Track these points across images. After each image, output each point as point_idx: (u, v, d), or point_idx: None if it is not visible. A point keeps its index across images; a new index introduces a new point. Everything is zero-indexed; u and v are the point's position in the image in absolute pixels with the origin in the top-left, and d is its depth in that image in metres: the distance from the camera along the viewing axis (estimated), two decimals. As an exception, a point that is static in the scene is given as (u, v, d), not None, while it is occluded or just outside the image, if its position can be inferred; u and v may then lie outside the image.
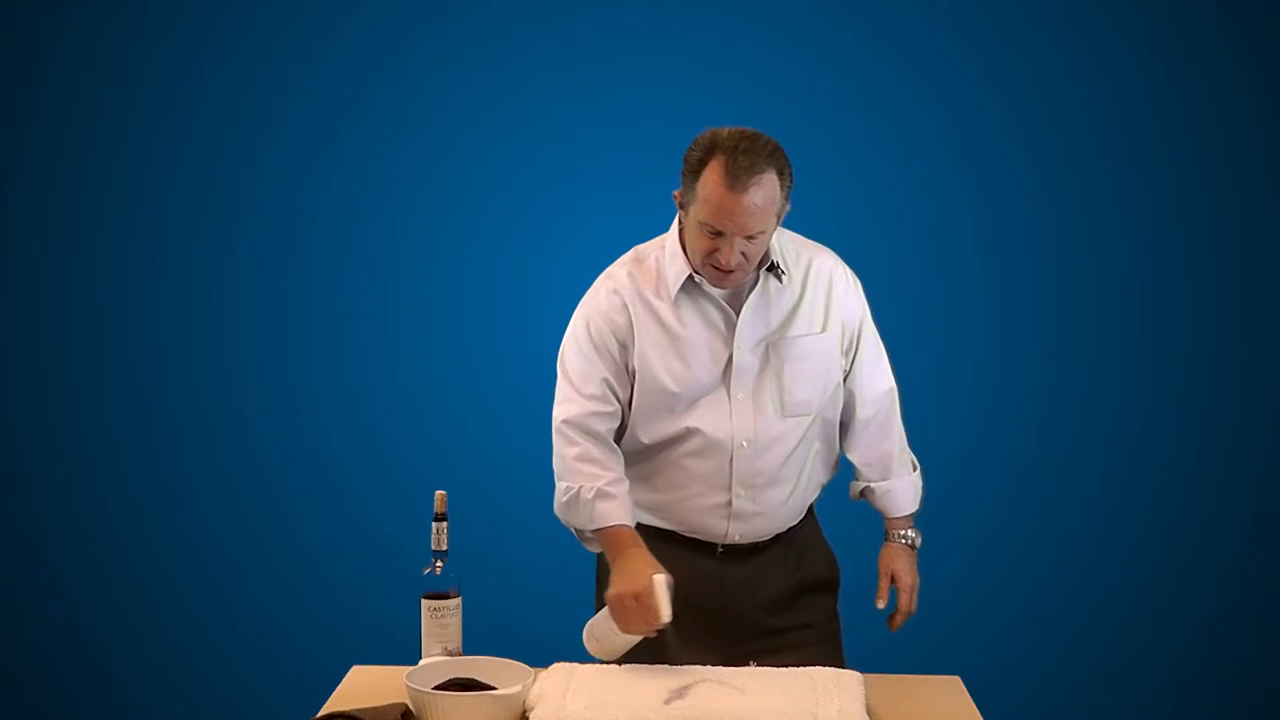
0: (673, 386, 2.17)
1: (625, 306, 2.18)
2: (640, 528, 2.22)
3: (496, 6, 3.45)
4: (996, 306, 3.45)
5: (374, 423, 3.51)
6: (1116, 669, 3.44)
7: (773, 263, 2.18)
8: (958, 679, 2.11)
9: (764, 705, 1.86)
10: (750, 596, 2.25)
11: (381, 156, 3.49)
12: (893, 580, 2.35)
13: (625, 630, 2.04)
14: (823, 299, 2.22)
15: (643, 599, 2.00)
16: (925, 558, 3.49)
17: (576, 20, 3.43)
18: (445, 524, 2.10)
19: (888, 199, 3.42)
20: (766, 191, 2.03)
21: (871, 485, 2.35)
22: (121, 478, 3.52)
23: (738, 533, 2.23)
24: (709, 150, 2.04)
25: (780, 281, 2.18)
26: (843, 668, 2.21)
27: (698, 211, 2.06)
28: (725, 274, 2.10)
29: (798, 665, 2.10)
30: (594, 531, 2.16)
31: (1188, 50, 3.39)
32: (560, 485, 2.20)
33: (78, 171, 3.50)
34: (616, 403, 2.21)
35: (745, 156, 2.01)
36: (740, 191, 2.01)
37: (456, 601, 2.08)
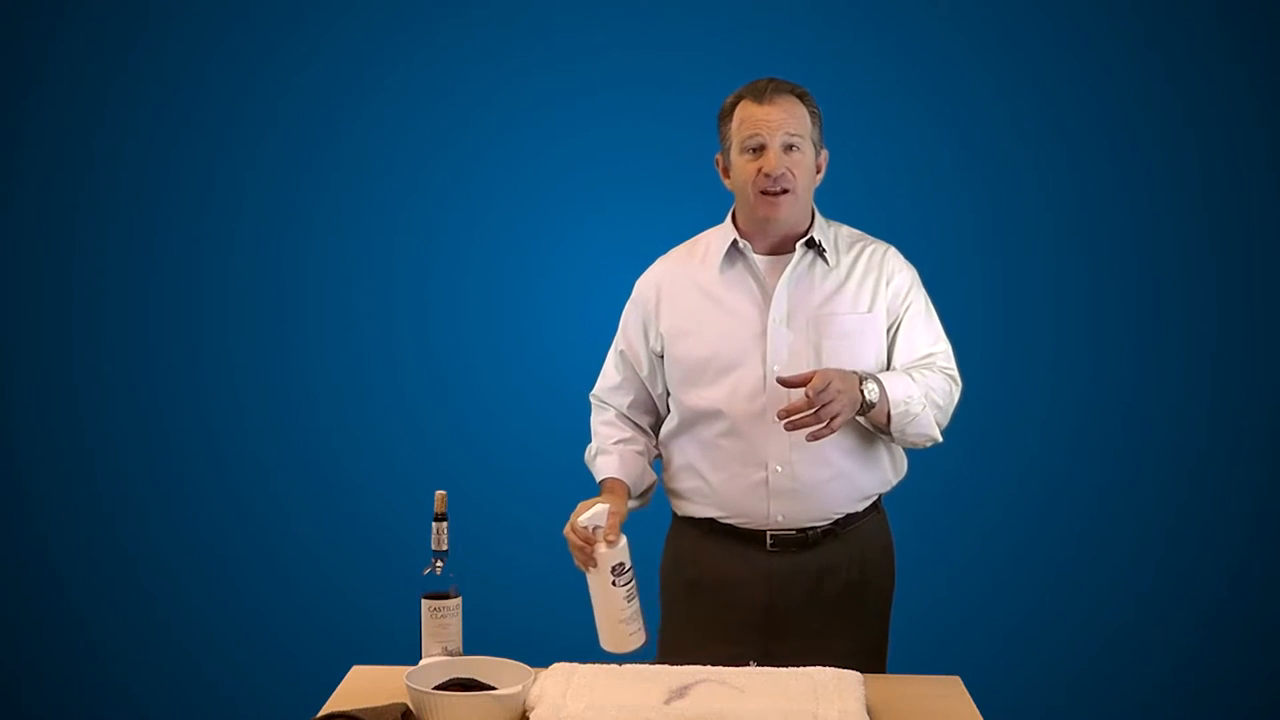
0: (703, 350, 2.25)
1: (656, 283, 2.33)
2: (691, 521, 2.31)
3: (496, 6, 3.45)
4: (996, 306, 3.45)
5: (374, 423, 3.51)
6: (1116, 669, 3.44)
7: (812, 238, 2.24)
8: (958, 679, 2.11)
9: (764, 705, 1.86)
10: (802, 595, 2.25)
11: (381, 156, 3.49)
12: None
13: (573, 554, 2.15)
14: (872, 281, 2.27)
15: (573, 517, 2.13)
16: (926, 557, 3.50)
17: (576, 20, 3.43)
18: (445, 524, 2.09)
19: (888, 199, 3.42)
20: (793, 105, 2.20)
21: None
22: (121, 478, 3.53)
23: (780, 512, 2.23)
24: (736, 94, 2.24)
25: (826, 263, 2.25)
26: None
27: (737, 139, 2.21)
28: (776, 195, 2.19)
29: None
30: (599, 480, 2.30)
31: (1188, 50, 3.39)
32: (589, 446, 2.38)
33: (78, 171, 3.50)
34: (633, 374, 2.35)
35: (766, 82, 2.22)
36: (769, 102, 2.20)
37: (456, 601, 2.08)
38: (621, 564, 2.12)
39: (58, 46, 3.47)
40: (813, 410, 2.06)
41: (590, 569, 2.12)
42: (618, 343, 2.38)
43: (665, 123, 3.34)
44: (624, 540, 2.13)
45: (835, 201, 3.21)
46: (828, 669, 2.02)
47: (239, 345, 3.52)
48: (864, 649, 2.25)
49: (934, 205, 3.44)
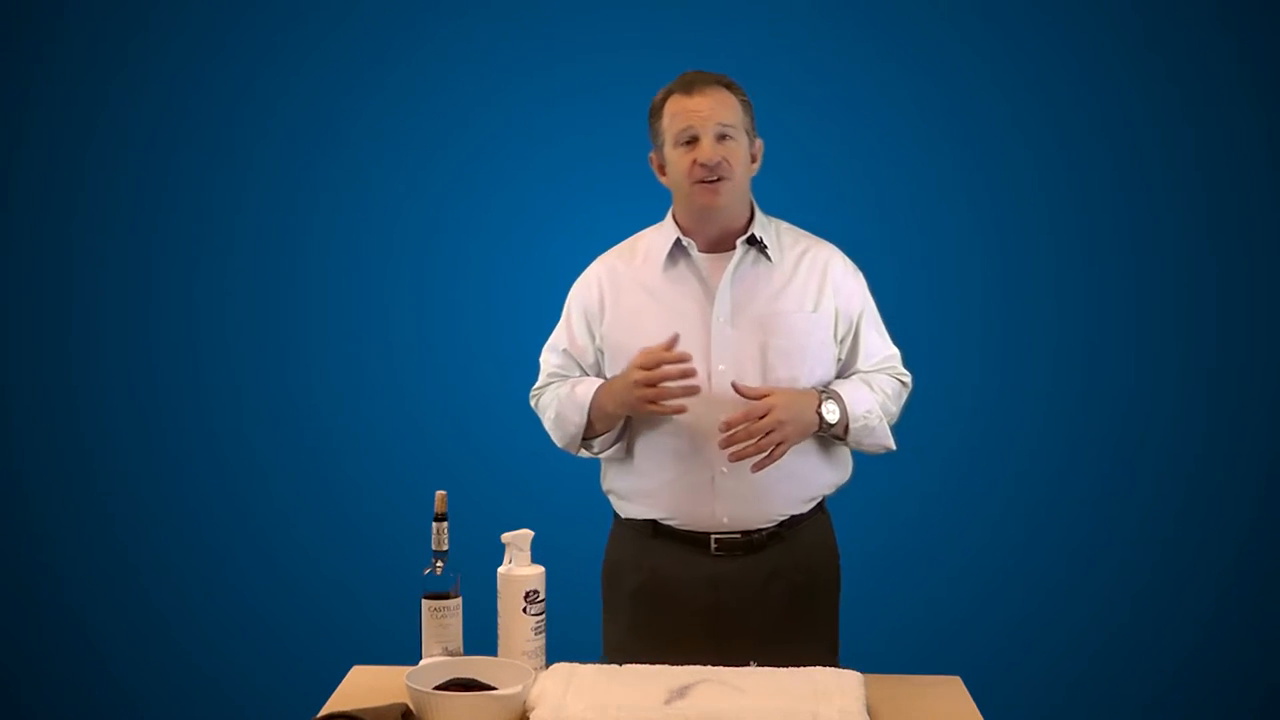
0: (643, 346, 2.20)
1: (599, 282, 2.31)
2: (632, 522, 2.28)
3: (496, 6, 3.45)
4: (997, 306, 3.45)
5: (374, 423, 3.51)
6: (1116, 669, 3.44)
7: (753, 235, 2.23)
8: (958, 679, 2.11)
9: (764, 705, 1.86)
10: (746, 599, 2.23)
11: (381, 156, 3.49)
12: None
13: (653, 397, 2.12)
14: (816, 280, 2.25)
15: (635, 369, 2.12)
16: (926, 557, 3.51)
17: (576, 20, 3.43)
18: (445, 524, 2.09)
19: (888, 199, 3.42)
20: (722, 94, 2.20)
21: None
22: (121, 478, 3.53)
23: (726, 514, 2.21)
24: (665, 90, 2.24)
25: (769, 259, 2.24)
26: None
27: (670, 134, 2.20)
28: (712, 184, 2.18)
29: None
30: (589, 410, 2.23)
31: (1188, 50, 3.39)
32: (548, 420, 2.31)
33: (77, 171, 3.50)
34: (578, 369, 2.33)
35: (693, 75, 2.22)
36: (698, 93, 2.19)
37: (457, 601, 2.08)
38: (535, 591, 2.06)
39: (58, 47, 3.47)
40: (753, 440, 2.10)
41: (501, 594, 2.06)
42: (558, 343, 2.35)
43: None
44: (540, 569, 2.08)
45: (836, 201, 3.22)
46: (828, 669, 2.02)
47: (239, 345, 3.52)
48: (815, 652, 2.19)
49: (934, 205, 3.44)
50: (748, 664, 2.13)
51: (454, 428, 3.47)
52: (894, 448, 2.27)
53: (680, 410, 2.13)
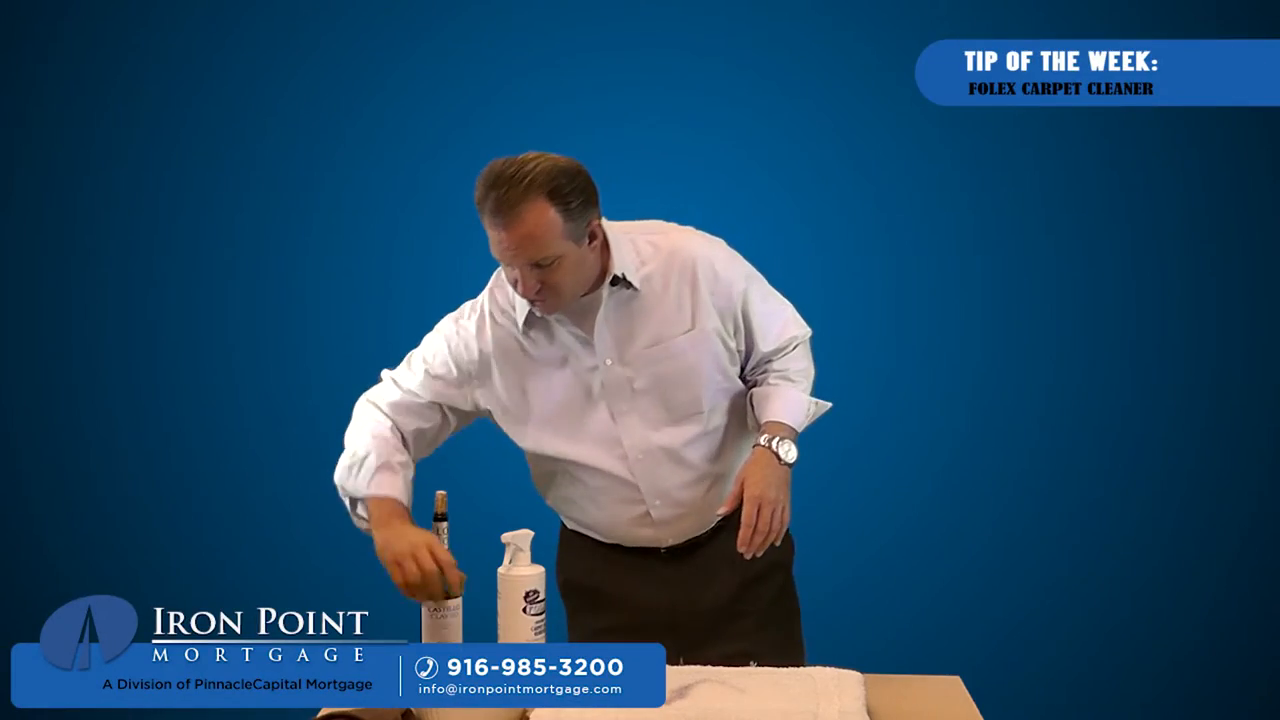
0: (539, 410, 2.17)
1: (477, 337, 2.20)
2: (587, 540, 2.28)
3: (496, 6, 3.45)
4: (997, 306, 3.45)
5: (374, 422, 3.50)
6: (1116, 669, 3.44)
7: (615, 276, 2.12)
8: (958, 679, 2.11)
9: (764, 705, 1.86)
10: (699, 592, 2.24)
11: (382, 156, 3.49)
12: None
13: (411, 591, 1.99)
14: (687, 292, 2.14)
15: (434, 548, 1.97)
16: (926, 557, 3.51)
17: (576, 20, 3.43)
18: (445, 524, 2.09)
19: (888, 199, 3.42)
20: (534, 220, 2.00)
21: (752, 391, 2.21)
22: (121, 477, 3.53)
23: (670, 536, 2.23)
24: (480, 187, 2.04)
25: (636, 290, 2.13)
26: (799, 646, 2.24)
27: (490, 241, 2.06)
28: (534, 302, 2.08)
29: (752, 651, 2.12)
30: (366, 500, 2.10)
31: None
32: (348, 451, 2.16)
33: (78, 171, 3.50)
34: (440, 418, 2.23)
35: (505, 188, 2.01)
36: (502, 227, 2.00)
37: (457, 602, 2.08)
38: (535, 591, 2.04)
39: (58, 46, 3.47)
40: (767, 531, 2.05)
41: (501, 594, 2.04)
42: (431, 368, 2.22)
43: (667, 123, 3.33)
44: (540, 569, 2.06)
45: (836, 201, 3.21)
46: (828, 669, 2.02)
47: (239, 344, 3.52)
48: (774, 620, 2.23)
49: (934, 205, 3.44)
50: (747, 664, 2.14)
51: (454, 427, 3.47)
52: (830, 406, 2.23)
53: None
